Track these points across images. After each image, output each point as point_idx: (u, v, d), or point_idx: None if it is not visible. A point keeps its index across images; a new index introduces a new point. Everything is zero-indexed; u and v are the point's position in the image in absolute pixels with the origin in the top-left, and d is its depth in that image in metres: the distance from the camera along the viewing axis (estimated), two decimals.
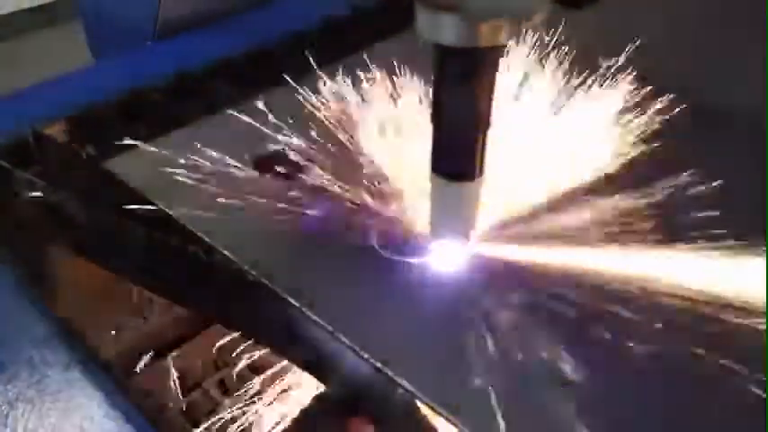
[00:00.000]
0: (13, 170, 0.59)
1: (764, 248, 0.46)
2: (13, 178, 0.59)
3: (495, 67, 0.41)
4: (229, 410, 0.50)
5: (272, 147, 0.58)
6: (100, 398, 0.46)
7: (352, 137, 0.58)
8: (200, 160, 0.57)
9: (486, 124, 0.43)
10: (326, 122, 0.59)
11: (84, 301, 0.56)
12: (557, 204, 0.53)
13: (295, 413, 0.47)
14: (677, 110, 0.61)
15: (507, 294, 0.46)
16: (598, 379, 0.41)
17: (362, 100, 0.60)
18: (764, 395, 0.38)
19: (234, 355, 0.52)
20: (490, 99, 0.42)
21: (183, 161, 0.56)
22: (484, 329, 0.44)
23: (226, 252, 0.50)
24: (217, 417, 0.50)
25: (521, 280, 0.47)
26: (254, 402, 0.51)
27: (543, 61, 0.62)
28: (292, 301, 0.46)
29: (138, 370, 0.52)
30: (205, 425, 0.49)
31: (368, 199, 0.53)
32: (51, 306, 0.51)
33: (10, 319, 0.51)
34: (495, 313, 0.45)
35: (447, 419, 0.39)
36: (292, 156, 0.57)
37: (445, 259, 0.49)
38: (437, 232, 0.48)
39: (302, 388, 0.51)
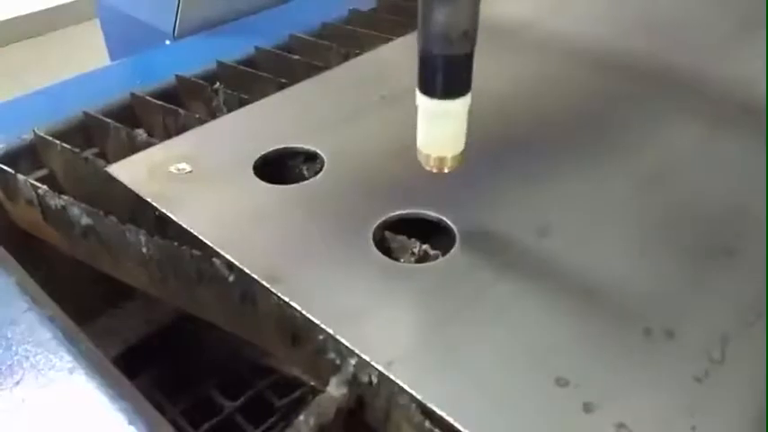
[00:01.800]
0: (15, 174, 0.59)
1: None
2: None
3: None
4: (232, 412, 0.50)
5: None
6: (104, 402, 0.46)
7: None
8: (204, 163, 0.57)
9: (473, 39, 0.42)
10: None
11: (88, 304, 0.56)
12: None
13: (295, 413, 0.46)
14: None
15: None
16: None
17: None
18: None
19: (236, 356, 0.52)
20: (476, 13, 0.42)
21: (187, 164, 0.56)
22: None
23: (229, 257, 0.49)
24: (219, 418, 0.50)
25: None
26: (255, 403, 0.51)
27: None
28: (294, 304, 0.45)
29: (141, 373, 0.53)
30: (207, 426, 0.50)
31: None
32: (55, 310, 0.52)
33: (14, 323, 0.51)
34: None
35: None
36: None
37: None
38: (428, 152, 0.46)
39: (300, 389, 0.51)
